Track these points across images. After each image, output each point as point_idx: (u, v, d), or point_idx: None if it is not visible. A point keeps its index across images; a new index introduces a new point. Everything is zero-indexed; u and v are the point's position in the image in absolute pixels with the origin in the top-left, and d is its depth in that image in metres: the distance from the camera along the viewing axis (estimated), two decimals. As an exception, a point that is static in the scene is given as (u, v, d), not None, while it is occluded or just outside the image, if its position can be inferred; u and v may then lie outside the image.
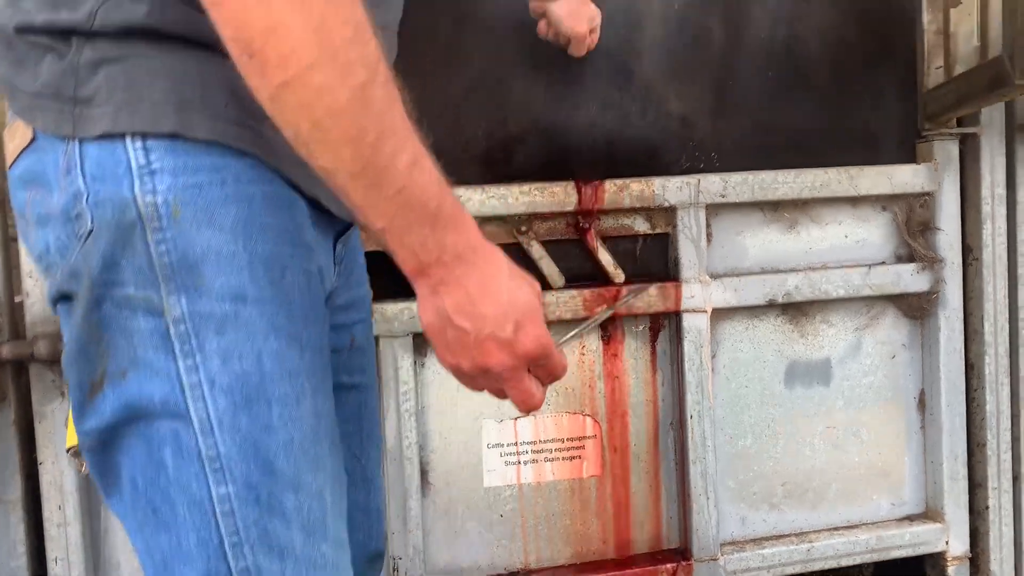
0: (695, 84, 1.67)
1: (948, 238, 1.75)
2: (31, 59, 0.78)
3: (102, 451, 0.80)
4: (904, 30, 1.75)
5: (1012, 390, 1.79)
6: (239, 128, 0.76)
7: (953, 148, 1.74)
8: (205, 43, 0.72)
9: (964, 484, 1.78)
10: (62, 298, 0.81)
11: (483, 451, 1.61)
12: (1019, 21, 1.22)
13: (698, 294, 1.63)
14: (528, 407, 0.81)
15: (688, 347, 1.64)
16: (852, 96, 1.74)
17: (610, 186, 1.59)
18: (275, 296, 0.78)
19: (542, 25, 1.50)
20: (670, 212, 1.63)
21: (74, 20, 0.75)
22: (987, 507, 1.80)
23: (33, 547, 1.43)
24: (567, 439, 1.65)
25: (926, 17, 1.71)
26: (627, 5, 1.63)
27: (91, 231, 0.75)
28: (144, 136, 0.74)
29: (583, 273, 1.63)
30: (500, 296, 0.77)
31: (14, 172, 0.83)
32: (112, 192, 0.75)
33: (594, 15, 1.49)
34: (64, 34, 0.76)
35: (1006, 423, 1.79)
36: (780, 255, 1.73)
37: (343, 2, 0.67)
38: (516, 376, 0.79)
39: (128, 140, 0.74)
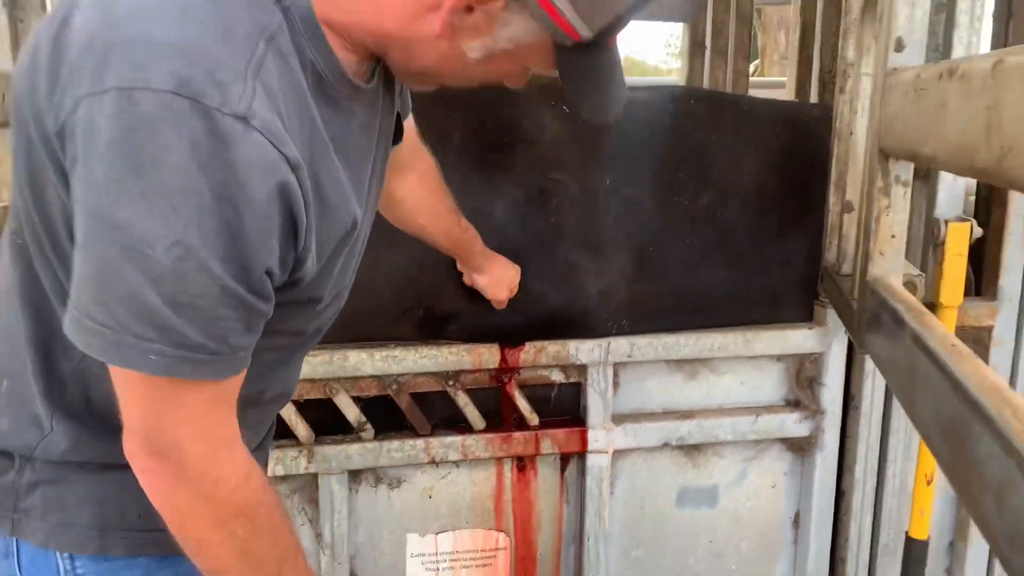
0: (616, 254, 1.86)
1: (831, 392, 1.98)
2: None
3: None
4: (817, 202, 1.94)
5: (875, 519, 2.06)
6: (150, 534, 0.95)
7: (845, 313, 1.95)
8: (122, 465, 0.88)
9: (824, 593, 2.08)
10: None
11: (407, 560, 1.90)
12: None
13: (602, 438, 1.88)
14: None
15: (590, 482, 1.90)
16: (763, 260, 1.94)
17: (529, 347, 1.81)
18: None
19: (466, 277, 1.71)
20: (582, 368, 1.86)
21: (14, 449, 0.95)
22: (843, 611, 2.10)
23: None
24: (481, 550, 1.93)
25: (831, 199, 1.89)
26: (553, 187, 1.81)
27: None
28: (71, 554, 0.95)
29: (501, 415, 1.88)
30: None
31: None
32: None
33: (513, 279, 1.70)
34: (7, 455, 0.96)
35: (866, 545, 2.07)
36: (681, 398, 1.96)
37: (264, 532, 0.90)
38: None
39: (57, 553, 0.95)
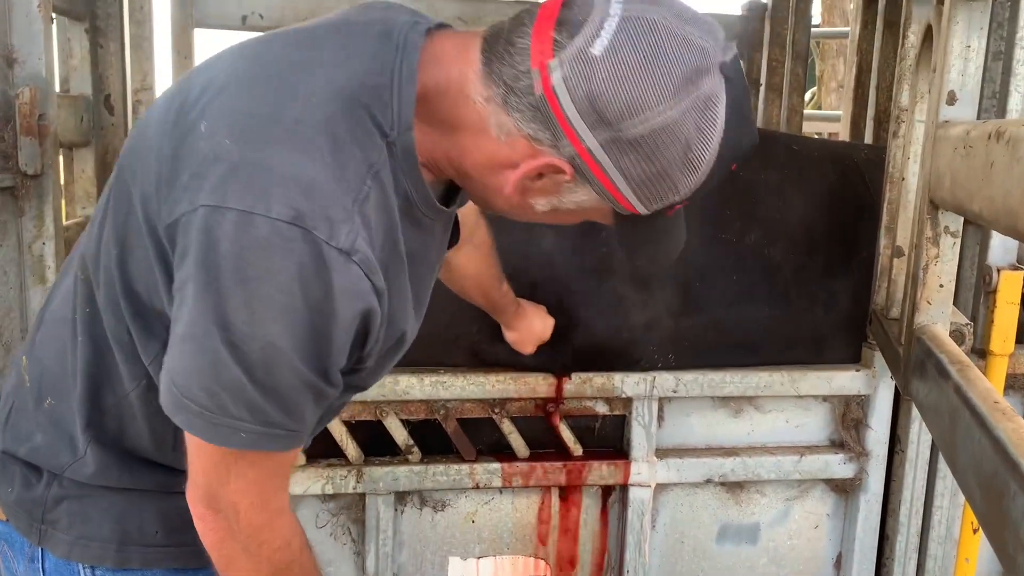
0: (664, 289, 1.89)
1: (877, 434, 1.97)
2: (8, 472, 1.08)
3: None
4: (864, 244, 1.94)
5: (919, 564, 2.04)
6: (167, 549, 1.05)
7: (893, 356, 1.95)
8: (142, 489, 1.03)
9: (865, 637, 2.06)
10: None
11: (448, 583, 1.94)
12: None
13: (645, 472, 1.90)
14: None
15: (632, 515, 1.92)
16: (809, 300, 1.95)
17: (575, 378, 1.84)
18: None
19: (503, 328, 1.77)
20: (627, 400, 1.89)
21: (45, 465, 1.05)
22: (884, 657, 2.08)
23: None
24: (521, 576, 1.96)
25: (882, 242, 1.89)
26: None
27: None
28: (92, 566, 1.05)
29: (547, 443, 1.91)
30: None
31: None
32: None
33: (543, 332, 1.75)
34: (36, 468, 1.06)
35: (910, 590, 2.05)
36: (724, 435, 1.98)
37: None
38: None
39: (79, 564, 1.05)
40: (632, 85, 0.84)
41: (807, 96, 5.43)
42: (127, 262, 0.97)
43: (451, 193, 1.06)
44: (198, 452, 0.93)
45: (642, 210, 0.93)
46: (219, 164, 0.86)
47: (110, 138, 2.42)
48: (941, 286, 1.37)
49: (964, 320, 1.53)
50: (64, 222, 1.94)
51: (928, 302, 1.38)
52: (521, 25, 0.89)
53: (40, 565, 1.06)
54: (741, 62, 0.92)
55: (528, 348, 1.76)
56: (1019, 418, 0.93)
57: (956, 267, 1.38)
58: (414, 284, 1.03)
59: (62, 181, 2.13)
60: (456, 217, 1.17)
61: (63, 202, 2.18)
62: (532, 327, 1.74)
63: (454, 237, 1.20)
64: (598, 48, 0.84)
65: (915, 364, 1.35)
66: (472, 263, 1.50)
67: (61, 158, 2.14)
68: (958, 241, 1.38)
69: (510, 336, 1.75)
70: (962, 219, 1.38)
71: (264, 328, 0.86)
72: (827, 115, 4.88)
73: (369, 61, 0.93)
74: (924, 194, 1.38)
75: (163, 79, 2.63)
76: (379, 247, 0.92)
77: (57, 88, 2.00)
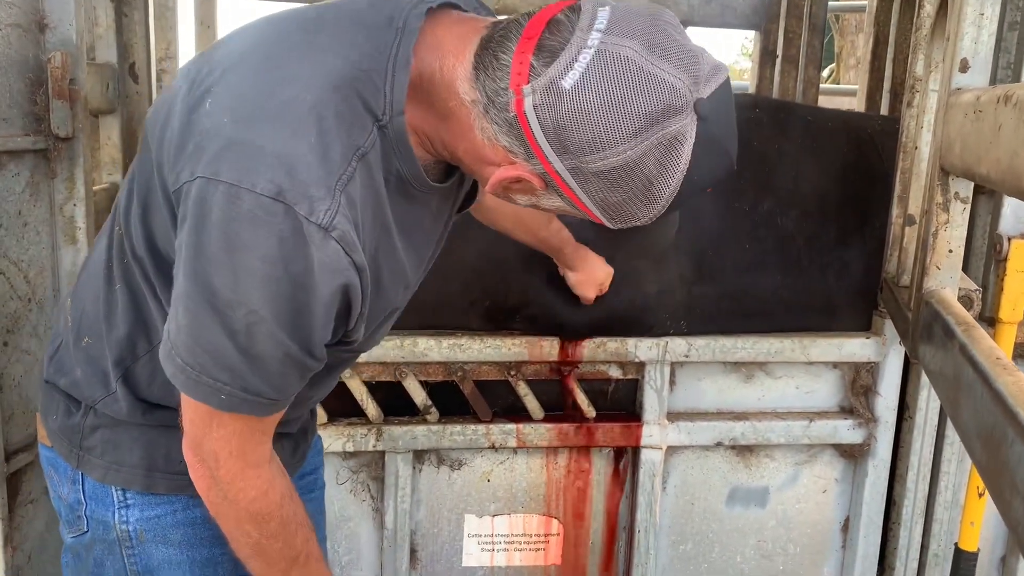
0: (678, 255, 1.92)
1: (886, 401, 2.01)
2: (53, 401, 1.18)
3: None
4: (877, 213, 1.97)
5: (925, 528, 2.09)
6: (190, 477, 1.10)
7: (903, 324, 1.98)
8: (168, 425, 1.10)
9: (870, 599, 2.11)
10: (66, 549, 1.21)
11: (464, 539, 1.99)
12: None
13: (656, 434, 1.95)
14: None
15: (643, 475, 1.97)
16: (821, 268, 1.98)
17: (589, 343, 1.89)
18: None
19: (560, 270, 1.79)
20: (640, 365, 1.93)
21: (82, 397, 1.14)
22: (888, 618, 2.13)
23: None
24: (535, 535, 2.01)
25: (895, 211, 1.92)
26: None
27: (86, 532, 1.17)
28: (124, 489, 1.14)
29: (561, 406, 1.95)
30: None
31: (44, 451, 1.22)
32: (101, 514, 1.15)
33: (604, 280, 1.79)
34: (75, 400, 1.15)
35: (915, 554, 2.09)
36: (735, 400, 2.02)
37: (275, 537, 1.07)
38: None
39: (112, 487, 1.14)
40: (595, 123, 0.87)
41: (825, 73, 5.40)
42: (150, 221, 1.04)
43: (452, 168, 1.10)
44: (186, 403, 1.01)
45: (611, 226, 0.97)
46: (216, 139, 0.93)
47: (135, 106, 2.46)
48: (950, 251, 1.40)
49: (973, 286, 1.56)
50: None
51: (937, 267, 1.41)
52: (508, 39, 0.92)
53: (80, 487, 1.15)
54: (730, 87, 0.94)
55: (590, 293, 1.80)
56: (1019, 372, 0.96)
57: (965, 233, 1.41)
58: (410, 255, 1.10)
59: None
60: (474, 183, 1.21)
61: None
62: (595, 271, 1.78)
63: (471, 197, 1.24)
64: (568, 81, 0.87)
65: (923, 328, 1.38)
66: (502, 203, 1.51)
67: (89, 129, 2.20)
68: (967, 207, 1.40)
69: (572, 278, 1.78)
70: (972, 186, 1.40)
71: (247, 296, 0.92)
72: (844, 89, 4.86)
73: (367, 46, 0.98)
74: (935, 160, 1.40)
75: (186, 48, 2.67)
76: (366, 227, 0.97)
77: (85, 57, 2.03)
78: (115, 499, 1.14)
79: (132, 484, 1.14)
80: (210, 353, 0.95)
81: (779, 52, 2.97)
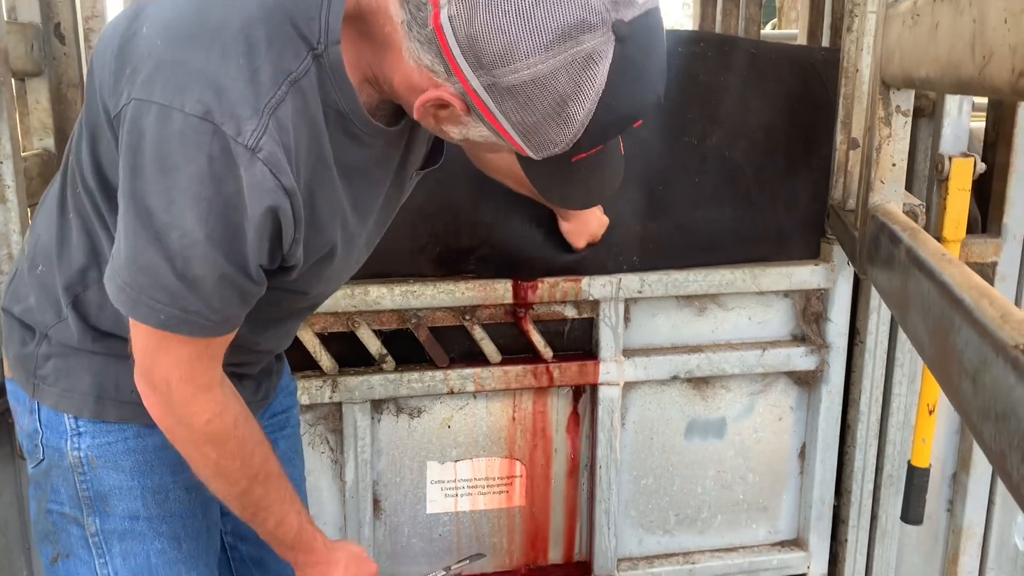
0: (628, 191, 1.91)
1: (837, 327, 2.04)
2: (11, 331, 1.20)
3: None
4: (823, 142, 1.98)
5: (879, 450, 2.13)
6: (140, 407, 1.09)
7: (850, 250, 2.00)
8: (119, 355, 1.11)
9: (828, 522, 2.16)
10: (31, 483, 1.22)
11: (427, 486, 1.99)
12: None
13: (613, 371, 1.95)
14: None
15: (602, 412, 1.98)
16: (770, 199, 1.99)
17: (543, 284, 1.88)
18: (160, 513, 1.20)
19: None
20: (594, 303, 1.93)
21: (36, 324, 1.16)
22: (846, 539, 2.18)
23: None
24: (498, 478, 2.01)
25: (838, 138, 1.93)
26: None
27: (43, 460, 1.19)
28: (75, 415, 1.16)
29: (518, 348, 1.95)
30: None
31: (8, 385, 1.23)
32: (55, 442, 1.17)
33: (597, 230, 1.81)
34: (29, 328, 1.18)
35: (870, 476, 2.14)
36: (690, 334, 2.03)
37: (234, 457, 1.09)
38: None
39: (65, 415, 1.16)
40: (505, 34, 0.86)
41: (768, 28, 5.43)
42: (97, 150, 1.05)
43: (403, 115, 1.08)
44: (134, 330, 1.03)
45: (533, 155, 0.95)
46: (150, 61, 0.94)
47: (64, 68, 2.36)
48: (894, 165, 1.41)
49: (917, 201, 1.57)
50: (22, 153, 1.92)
51: (881, 181, 1.43)
52: None
53: (37, 416, 1.17)
54: (660, 19, 0.93)
55: (580, 242, 1.82)
56: (963, 264, 0.98)
57: (907, 147, 1.42)
58: (352, 198, 1.09)
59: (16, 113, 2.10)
60: (438, 138, 1.19)
61: (19, 132, 2.15)
62: (587, 222, 1.80)
63: (434, 157, 1.23)
64: None
65: (870, 242, 1.40)
66: (498, 157, 1.52)
67: (15, 90, 2.11)
68: (909, 120, 1.41)
69: (564, 227, 1.80)
70: (912, 98, 1.42)
71: (181, 217, 0.92)
72: (785, 34, 4.89)
73: None
74: (876, 75, 1.41)
75: (114, 5, 2.57)
76: (299, 155, 0.98)
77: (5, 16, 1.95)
78: (68, 427, 1.16)
79: (83, 411, 1.15)
80: (147, 273, 0.96)
81: (720, -8, 2.97)
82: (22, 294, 1.18)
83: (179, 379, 1.03)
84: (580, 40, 0.86)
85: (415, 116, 0.98)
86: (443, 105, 0.95)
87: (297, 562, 1.20)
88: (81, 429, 1.16)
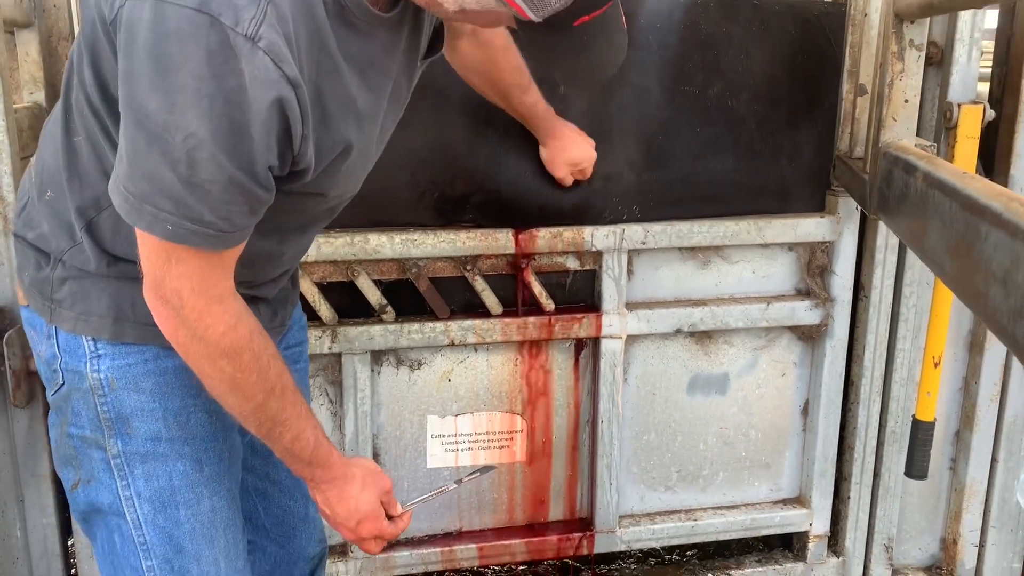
0: (627, 140, 1.88)
1: (842, 280, 2.02)
2: (25, 257, 1.18)
3: (84, 524, 1.23)
4: (826, 95, 1.95)
5: (883, 406, 2.11)
6: (157, 328, 1.07)
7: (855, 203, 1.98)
8: (134, 278, 1.08)
9: (831, 479, 2.14)
10: (51, 409, 1.20)
11: (427, 440, 1.96)
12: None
13: (616, 323, 1.93)
14: (368, 552, 1.25)
15: (604, 366, 1.95)
16: (773, 151, 1.96)
17: (545, 233, 1.85)
18: (182, 435, 1.17)
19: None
20: (597, 254, 1.90)
21: (50, 249, 1.14)
22: (849, 497, 2.16)
23: (61, 514, 1.79)
24: (499, 432, 1.99)
25: (845, 87, 1.91)
26: (562, 76, 1.82)
27: (62, 385, 1.16)
28: (93, 338, 1.13)
29: (520, 302, 1.92)
30: (348, 504, 1.19)
31: (24, 313, 1.21)
32: (74, 365, 1.14)
33: (580, 161, 1.76)
34: (44, 253, 1.15)
35: (873, 432, 2.12)
36: (693, 287, 2.01)
37: (249, 370, 1.06)
38: (362, 543, 1.23)
39: (83, 337, 1.13)
40: None
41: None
42: (99, 66, 1.02)
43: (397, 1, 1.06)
44: (143, 243, 0.99)
45: (532, 16, 0.93)
46: None
47: (54, 20, 2.32)
48: (906, 101, 1.39)
49: (927, 142, 1.55)
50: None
51: (893, 118, 1.40)
52: None
53: (55, 341, 1.14)
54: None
55: (560, 172, 1.78)
56: (984, 179, 0.95)
57: (920, 82, 1.39)
58: (364, 92, 1.06)
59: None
60: (439, 26, 1.18)
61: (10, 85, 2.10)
62: (565, 149, 1.75)
63: (436, 45, 1.21)
64: None
65: (881, 179, 1.37)
66: (473, 56, 1.50)
67: (4, 43, 2.07)
68: (922, 56, 1.39)
69: (543, 154, 1.77)
70: (926, 33, 1.39)
71: (183, 117, 0.89)
72: None
73: None
74: (888, 9, 1.38)
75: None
76: (300, 45, 0.95)
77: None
78: (87, 349, 1.13)
79: (101, 333, 1.13)
80: (150, 181, 0.92)
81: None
82: (35, 221, 1.16)
83: (191, 291, 1.00)
84: None
85: None
86: None
87: (314, 477, 1.17)
88: (100, 351, 1.13)
